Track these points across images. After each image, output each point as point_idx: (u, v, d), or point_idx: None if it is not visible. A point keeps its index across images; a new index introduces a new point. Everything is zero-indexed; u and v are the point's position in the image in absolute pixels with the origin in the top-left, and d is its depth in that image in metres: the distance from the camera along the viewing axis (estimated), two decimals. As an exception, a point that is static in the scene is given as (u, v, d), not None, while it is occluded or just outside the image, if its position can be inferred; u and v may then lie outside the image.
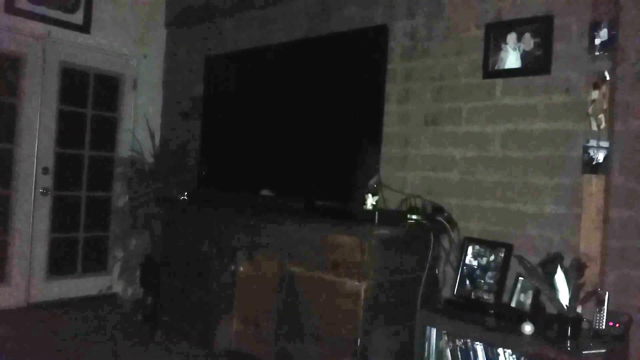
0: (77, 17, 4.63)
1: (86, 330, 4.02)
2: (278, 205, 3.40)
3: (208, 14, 4.81)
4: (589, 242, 2.59)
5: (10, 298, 4.38)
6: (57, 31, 4.52)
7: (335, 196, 3.26)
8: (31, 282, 4.50)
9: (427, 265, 2.88)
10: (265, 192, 3.65)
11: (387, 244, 2.76)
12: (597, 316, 2.40)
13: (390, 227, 2.83)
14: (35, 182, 4.50)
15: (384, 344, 2.77)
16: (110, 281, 4.89)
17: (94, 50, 4.80)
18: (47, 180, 4.58)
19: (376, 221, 2.80)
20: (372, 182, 2.98)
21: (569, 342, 2.30)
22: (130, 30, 5.02)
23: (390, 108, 3.45)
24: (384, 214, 2.87)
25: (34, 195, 4.50)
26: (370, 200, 2.92)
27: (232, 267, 3.32)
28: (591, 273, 2.52)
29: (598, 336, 2.36)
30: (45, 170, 4.56)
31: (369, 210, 2.89)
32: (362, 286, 2.64)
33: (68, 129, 4.73)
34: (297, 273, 2.95)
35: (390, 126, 3.44)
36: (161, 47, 5.28)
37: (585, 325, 2.43)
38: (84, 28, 4.67)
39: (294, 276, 2.97)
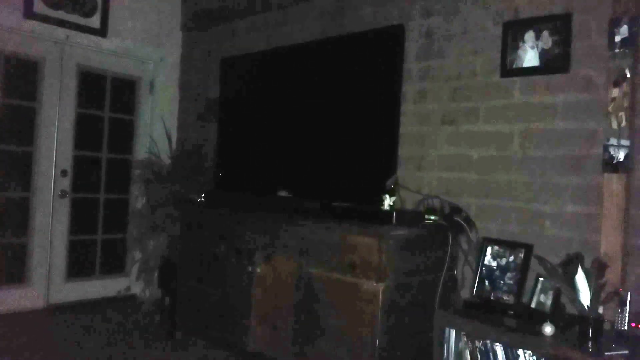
0: (95, 21, 4.68)
1: (105, 331, 4.06)
2: (295, 206, 3.40)
3: (223, 16, 4.83)
4: (610, 241, 2.56)
5: (29, 299, 4.43)
6: (74, 35, 4.57)
7: (352, 197, 3.25)
8: (50, 283, 4.55)
9: (446, 266, 2.86)
10: (282, 193, 3.65)
11: (405, 245, 2.75)
12: (619, 317, 2.37)
13: (408, 227, 2.82)
14: (53, 184, 4.55)
15: (402, 345, 2.75)
16: (129, 282, 4.94)
17: (111, 53, 4.85)
18: (66, 183, 4.63)
19: (394, 222, 2.79)
20: (390, 182, 2.97)
21: (590, 343, 2.26)
22: (147, 33, 5.05)
23: (407, 108, 3.43)
24: (401, 215, 2.86)
25: (53, 198, 4.55)
26: (388, 201, 2.91)
27: (250, 268, 3.33)
28: (612, 273, 2.49)
29: (620, 337, 2.33)
30: (63, 173, 4.61)
31: (386, 211, 2.88)
32: (380, 287, 2.63)
33: (86, 132, 4.77)
34: (315, 274, 2.95)
35: (407, 126, 3.42)
36: (177, 50, 5.31)
37: (607, 326, 2.39)
38: (101, 32, 4.71)
39: (311, 277, 2.97)
